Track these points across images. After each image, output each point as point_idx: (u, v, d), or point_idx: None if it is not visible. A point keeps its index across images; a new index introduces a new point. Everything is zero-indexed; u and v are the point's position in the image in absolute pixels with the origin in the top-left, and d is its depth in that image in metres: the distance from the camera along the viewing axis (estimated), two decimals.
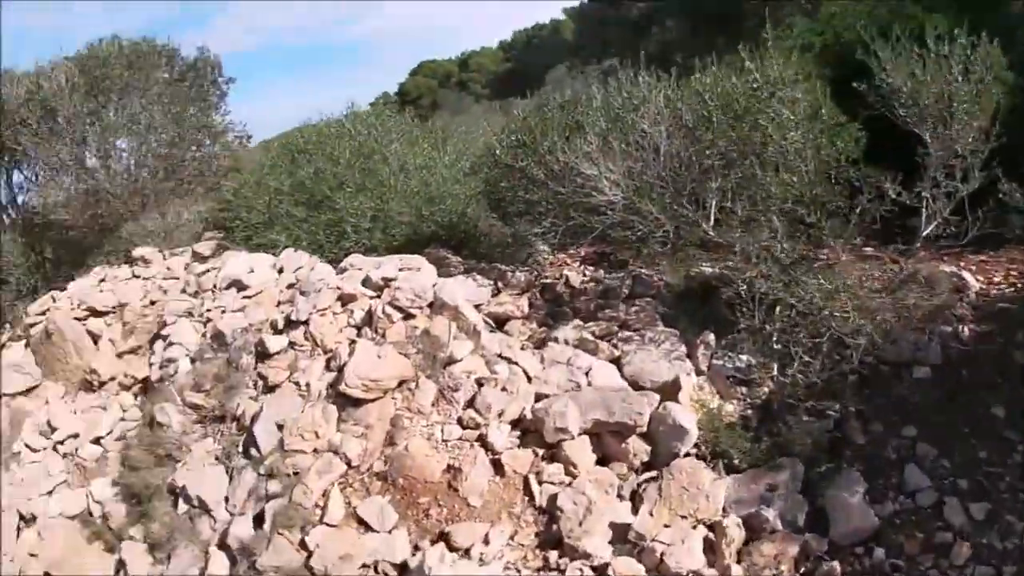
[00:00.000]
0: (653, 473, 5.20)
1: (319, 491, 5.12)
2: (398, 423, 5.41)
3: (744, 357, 6.02)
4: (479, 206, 7.67)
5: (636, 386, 5.83)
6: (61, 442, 6.66)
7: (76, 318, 7.16)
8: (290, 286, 6.64)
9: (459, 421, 5.44)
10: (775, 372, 5.87)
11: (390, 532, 4.93)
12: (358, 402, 5.42)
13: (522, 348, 6.32)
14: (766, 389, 5.83)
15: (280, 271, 6.96)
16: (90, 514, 6.14)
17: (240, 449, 5.60)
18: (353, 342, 5.86)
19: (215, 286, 6.90)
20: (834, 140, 5.99)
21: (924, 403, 5.42)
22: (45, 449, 6.66)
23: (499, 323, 6.60)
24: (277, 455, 5.38)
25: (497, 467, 5.21)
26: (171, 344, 6.44)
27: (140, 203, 8.13)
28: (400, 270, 6.39)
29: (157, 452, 5.87)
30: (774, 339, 5.88)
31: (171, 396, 5.97)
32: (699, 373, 5.91)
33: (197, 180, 8.81)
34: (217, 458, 5.71)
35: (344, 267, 6.63)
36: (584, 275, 7.73)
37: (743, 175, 6.22)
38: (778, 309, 5.86)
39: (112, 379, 6.88)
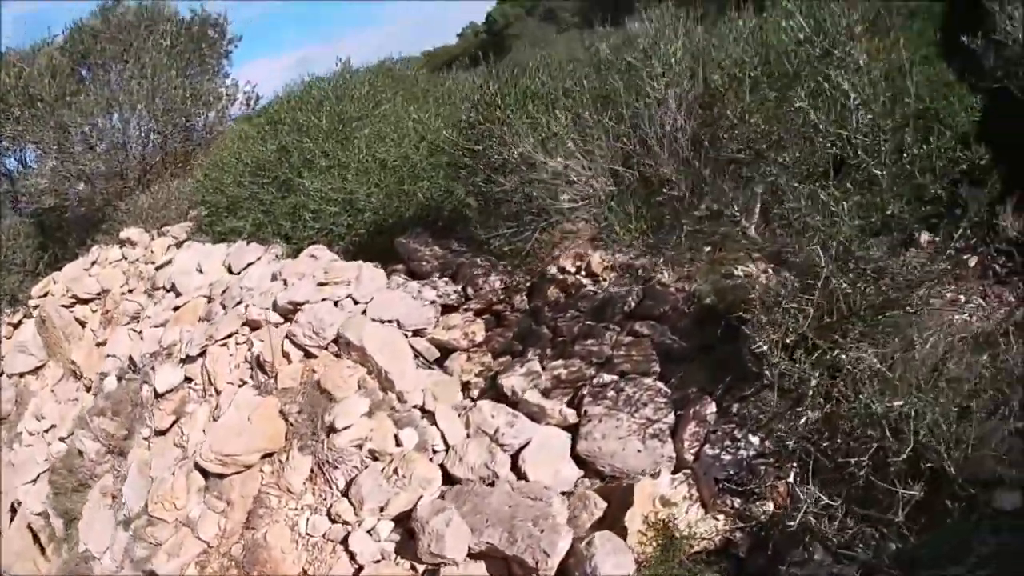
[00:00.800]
0: None
1: (170, 572, 4.02)
2: (263, 502, 4.09)
3: (756, 441, 3.88)
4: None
5: (593, 471, 4.01)
6: (47, 431, 6.24)
7: (64, 305, 6.57)
8: (225, 292, 5.38)
9: (329, 511, 3.97)
10: (792, 478, 3.67)
11: None
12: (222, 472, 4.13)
13: (466, 391, 4.64)
14: (771, 506, 3.68)
15: (230, 269, 5.72)
16: (48, 515, 5.67)
17: (124, 499, 4.64)
18: (244, 384, 4.53)
19: (163, 286, 5.85)
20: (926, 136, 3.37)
21: (1004, 552, 3.00)
22: (37, 434, 6.29)
23: (446, 353, 4.89)
24: (144, 519, 4.34)
25: None
26: (107, 356, 5.56)
27: (135, 180, 7.27)
28: (322, 284, 4.86)
29: (72, 480, 5.13)
30: (802, 422, 3.69)
31: (86, 420, 5.12)
32: (680, 466, 3.88)
33: (191, 152, 7.76)
34: (114, 497, 4.83)
35: (275, 273, 5.21)
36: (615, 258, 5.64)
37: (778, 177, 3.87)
38: (814, 382, 3.63)
39: (88, 371, 6.26)
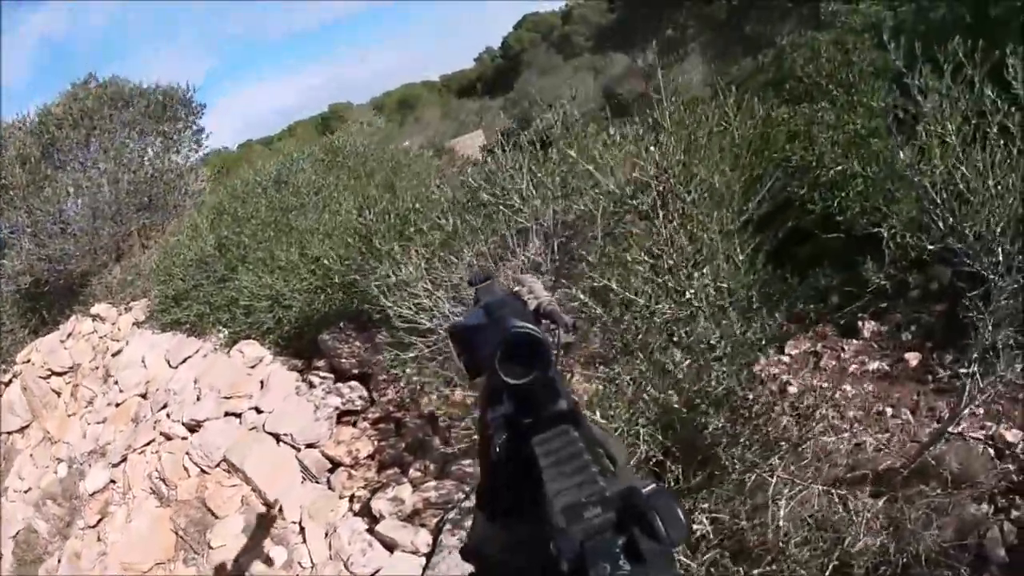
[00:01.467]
0: None
1: None
2: None
3: None
4: None
5: None
6: (26, 491, 7.69)
7: (41, 376, 7.98)
8: (157, 392, 6.57)
9: None
10: None
11: None
12: None
13: (352, 503, 5.60)
14: None
15: (170, 362, 6.90)
16: None
17: None
18: (153, 492, 5.69)
19: (113, 376, 7.11)
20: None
21: None
22: (18, 492, 7.76)
23: (337, 466, 5.87)
24: None
25: None
26: (64, 441, 6.88)
27: (106, 256, 8.55)
28: (227, 398, 5.92)
29: (31, 553, 6.49)
30: None
31: (39, 504, 6.46)
32: None
33: (161, 226, 8.96)
34: None
35: (196, 377, 6.33)
36: None
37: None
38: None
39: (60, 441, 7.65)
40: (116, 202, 8.50)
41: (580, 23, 20.15)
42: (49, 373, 7.99)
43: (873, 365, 5.84)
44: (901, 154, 3.60)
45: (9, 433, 8.33)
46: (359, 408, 6.23)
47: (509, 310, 0.95)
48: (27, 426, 8.31)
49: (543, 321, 1.13)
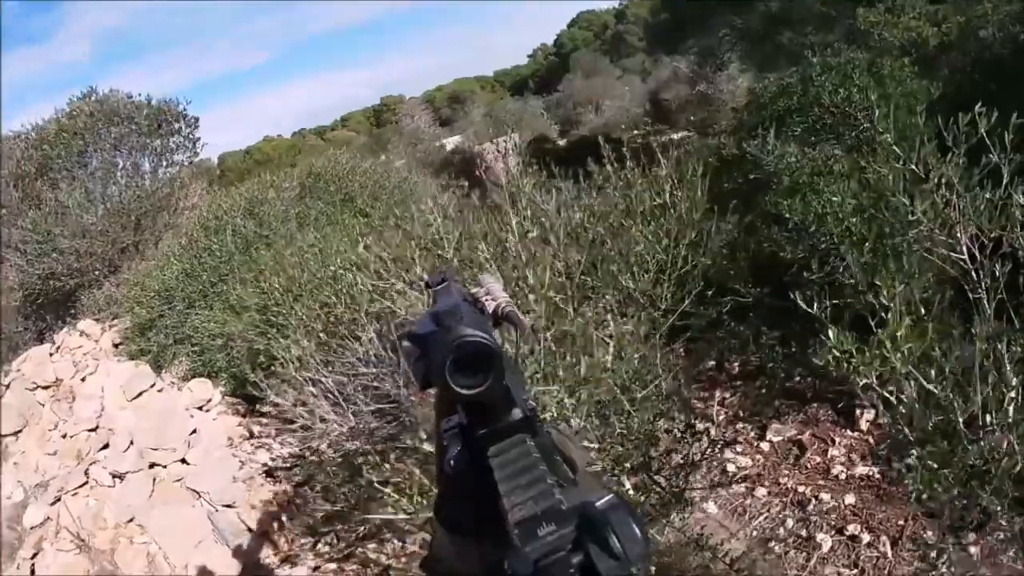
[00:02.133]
0: None
1: None
2: None
3: None
4: None
5: None
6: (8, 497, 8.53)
7: (29, 388, 8.75)
8: (105, 430, 7.09)
9: None
10: None
11: None
12: None
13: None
14: None
15: (125, 395, 7.42)
16: None
17: None
18: (75, 538, 6.20)
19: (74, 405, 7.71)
20: None
21: None
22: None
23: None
24: None
25: None
26: (24, 464, 7.56)
27: (101, 270, 9.17)
28: (153, 449, 6.33)
29: None
30: None
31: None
32: None
33: (154, 243, 9.46)
34: None
35: (136, 421, 6.79)
36: None
37: None
38: None
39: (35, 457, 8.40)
40: (105, 221, 9.13)
41: (634, 22, 19.79)
42: (35, 386, 8.74)
43: (862, 469, 5.48)
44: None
45: (3, 436, 9.21)
46: (288, 466, 6.49)
47: (460, 317, 0.93)
48: (20, 431, 9.16)
49: (502, 324, 1.15)
